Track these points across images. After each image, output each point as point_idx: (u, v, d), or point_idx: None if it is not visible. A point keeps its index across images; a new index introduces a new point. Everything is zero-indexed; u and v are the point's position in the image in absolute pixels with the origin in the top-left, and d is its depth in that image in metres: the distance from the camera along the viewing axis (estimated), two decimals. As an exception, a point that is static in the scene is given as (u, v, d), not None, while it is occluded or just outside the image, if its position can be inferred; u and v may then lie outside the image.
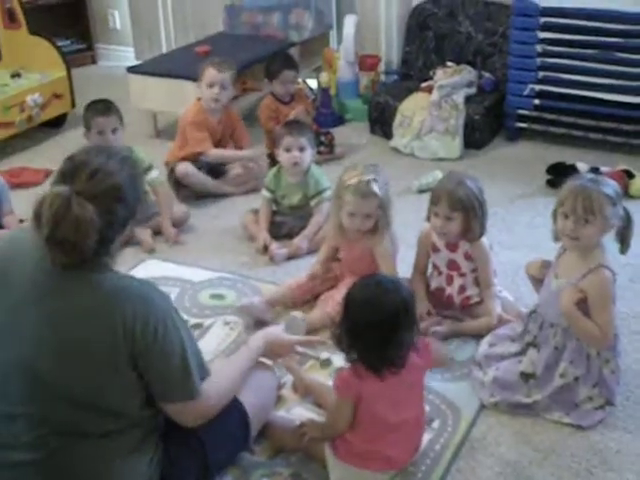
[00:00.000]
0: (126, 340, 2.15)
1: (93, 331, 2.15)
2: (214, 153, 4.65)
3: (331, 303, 3.41)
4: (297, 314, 3.37)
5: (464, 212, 3.24)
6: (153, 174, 4.20)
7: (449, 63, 5.35)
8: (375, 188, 3.32)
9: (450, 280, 3.39)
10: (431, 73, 5.32)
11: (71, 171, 2.16)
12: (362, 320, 2.43)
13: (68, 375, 2.18)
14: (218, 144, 4.72)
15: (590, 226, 2.76)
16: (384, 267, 3.38)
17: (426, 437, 2.74)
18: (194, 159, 4.64)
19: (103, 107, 4.11)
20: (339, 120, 5.56)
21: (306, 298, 3.58)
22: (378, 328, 2.41)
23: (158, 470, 2.34)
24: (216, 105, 4.65)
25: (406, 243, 3.56)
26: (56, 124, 5.67)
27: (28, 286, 2.21)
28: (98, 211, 2.11)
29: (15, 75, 5.61)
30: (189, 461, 2.41)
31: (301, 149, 4.07)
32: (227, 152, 4.76)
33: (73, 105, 5.70)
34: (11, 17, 5.71)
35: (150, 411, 2.31)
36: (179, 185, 4.58)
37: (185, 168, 4.56)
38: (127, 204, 2.20)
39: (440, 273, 3.40)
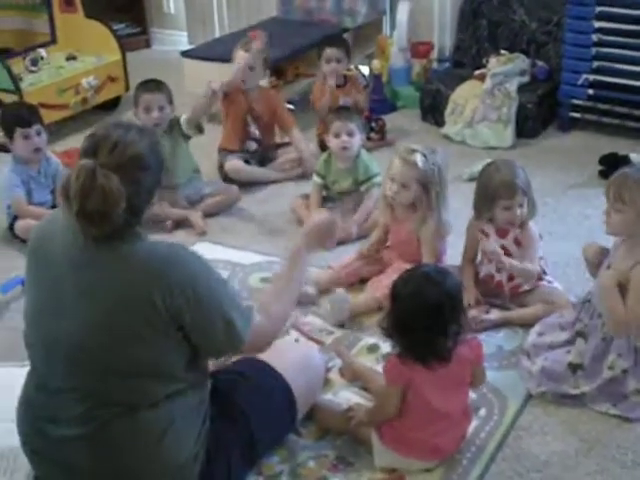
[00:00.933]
0: (165, 307, 2.18)
1: (131, 301, 2.19)
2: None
3: (380, 287, 3.42)
4: (341, 290, 3.42)
5: (528, 195, 3.28)
6: None
7: (502, 51, 5.32)
8: (417, 159, 3.35)
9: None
10: (484, 61, 5.29)
11: (93, 147, 2.19)
12: (408, 312, 2.44)
13: (111, 346, 2.21)
14: (244, 120, 4.69)
15: (620, 214, 2.75)
16: (424, 252, 3.43)
17: (472, 425, 2.74)
18: (241, 148, 4.68)
19: (152, 85, 4.21)
20: (391, 107, 5.54)
21: (352, 281, 3.61)
22: (423, 320, 2.42)
23: (204, 445, 2.36)
24: (245, 85, 4.64)
25: (455, 231, 3.55)
26: (110, 107, 5.73)
27: (65, 263, 2.26)
28: (123, 181, 2.14)
29: (70, 58, 5.68)
30: (235, 438, 2.44)
31: (350, 134, 4.09)
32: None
33: (127, 88, 5.75)
34: (68, 1, 5.77)
35: (195, 374, 2.33)
36: (227, 177, 4.62)
37: (234, 165, 4.59)
38: (151, 171, 2.24)
39: (490, 260, 3.39)
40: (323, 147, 4.62)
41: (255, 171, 4.66)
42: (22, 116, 4.14)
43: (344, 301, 3.35)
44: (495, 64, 5.16)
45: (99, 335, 2.21)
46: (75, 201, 2.14)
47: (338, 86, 4.98)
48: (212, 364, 2.59)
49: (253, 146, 4.71)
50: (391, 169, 3.44)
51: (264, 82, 4.96)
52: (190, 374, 2.32)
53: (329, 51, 4.92)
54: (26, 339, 2.39)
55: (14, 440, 2.57)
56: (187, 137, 4.29)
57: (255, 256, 3.89)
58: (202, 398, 2.39)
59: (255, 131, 4.72)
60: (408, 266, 3.42)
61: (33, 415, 2.37)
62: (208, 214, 4.27)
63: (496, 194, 3.24)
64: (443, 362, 2.46)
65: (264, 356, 2.62)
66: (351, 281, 3.61)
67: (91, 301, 2.21)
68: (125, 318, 2.19)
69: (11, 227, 4.12)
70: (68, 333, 2.23)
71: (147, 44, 7.26)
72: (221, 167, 4.65)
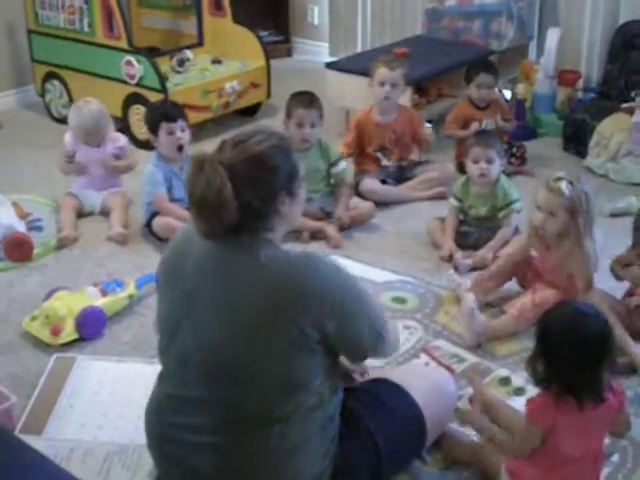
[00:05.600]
0: (311, 321, 2.16)
1: (271, 314, 2.16)
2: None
3: (519, 305, 3.42)
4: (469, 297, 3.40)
5: None
6: (341, 166, 4.33)
7: (653, 85, 5.17)
8: (563, 186, 3.27)
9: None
10: (632, 94, 5.13)
11: (222, 144, 2.23)
12: (566, 346, 2.34)
13: (250, 358, 2.19)
14: (385, 147, 4.68)
15: None
16: (579, 282, 3.34)
17: (604, 470, 2.63)
18: (376, 167, 4.67)
19: (307, 100, 4.22)
20: (532, 133, 5.43)
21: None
22: (583, 355, 2.33)
23: (331, 466, 2.33)
24: (387, 103, 4.63)
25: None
26: (250, 112, 5.78)
27: (200, 272, 2.26)
28: (237, 177, 2.14)
29: (216, 61, 5.75)
30: (362, 462, 2.39)
31: (489, 161, 4.02)
32: None
33: (269, 95, 5.80)
34: (217, 5, 5.86)
35: (328, 388, 2.29)
36: (361, 197, 4.59)
37: (369, 185, 4.57)
38: (273, 173, 2.20)
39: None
40: (462, 169, 4.56)
41: (390, 191, 4.62)
42: (167, 111, 4.19)
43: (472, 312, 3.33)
44: (644, 98, 5.00)
45: (237, 347, 2.19)
46: (187, 191, 2.19)
47: (480, 108, 4.92)
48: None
49: (388, 163, 4.70)
50: (537, 198, 3.37)
51: (406, 100, 4.91)
52: (324, 388, 2.28)
53: (484, 77, 4.86)
54: (160, 347, 2.39)
55: (138, 437, 2.60)
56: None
57: (387, 274, 3.85)
58: (333, 414, 2.35)
59: (387, 163, 4.70)
60: (550, 291, 3.43)
61: (162, 420, 2.37)
62: (341, 228, 4.25)
63: None
64: (598, 402, 2.36)
65: (397, 378, 2.58)
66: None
67: (229, 312, 2.20)
68: (265, 331, 2.17)
69: (148, 223, 4.16)
70: (205, 343, 2.23)
71: (288, 53, 7.31)
72: (356, 186, 4.63)
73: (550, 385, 2.36)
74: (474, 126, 4.75)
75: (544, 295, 3.43)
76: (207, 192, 2.13)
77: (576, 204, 3.28)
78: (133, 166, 4.52)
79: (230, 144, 2.20)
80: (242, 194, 2.14)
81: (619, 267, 3.34)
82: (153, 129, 4.16)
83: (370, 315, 2.31)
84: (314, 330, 2.17)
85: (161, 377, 2.42)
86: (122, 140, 4.55)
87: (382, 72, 4.58)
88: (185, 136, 4.15)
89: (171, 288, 2.33)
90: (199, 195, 2.14)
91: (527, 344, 3.25)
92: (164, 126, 4.11)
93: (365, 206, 4.40)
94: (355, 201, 4.47)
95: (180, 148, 4.13)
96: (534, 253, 3.57)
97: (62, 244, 4.14)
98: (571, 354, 2.32)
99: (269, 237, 2.26)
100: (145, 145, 4.65)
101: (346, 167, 4.39)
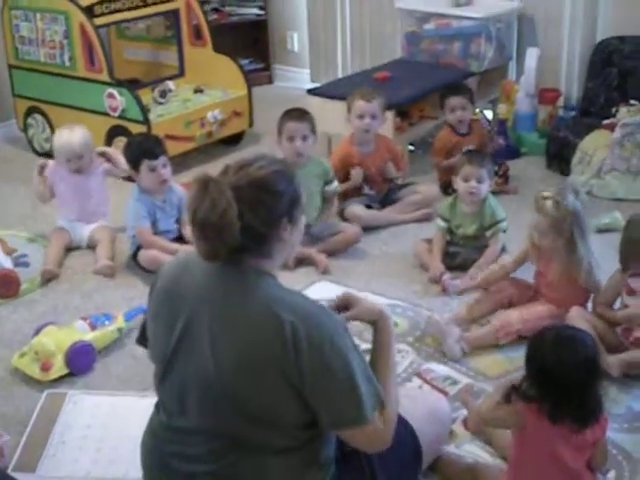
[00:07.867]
0: (292, 363, 2.10)
1: (261, 349, 2.12)
2: None
3: (503, 317, 3.47)
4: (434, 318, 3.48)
5: None
6: (334, 185, 4.38)
7: (633, 101, 5.19)
8: (548, 206, 3.31)
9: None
10: (613, 110, 5.17)
11: (225, 168, 2.21)
12: (555, 370, 2.33)
13: (241, 387, 2.16)
14: (367, 178, 4.67)
15: None
16: (580, 279, 3.39)
17: (601, 487, 2.64)
18: (358, 193, 4.68)
19: (297, 114, 4.22)
20: (515, 153, 5.46)
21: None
22: (572, 379, 2.33)
23: None
24: (367, 135, 4.63)
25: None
26: (233, 141, 5.79)
27: (195, 301, 2.22)
28: (241, 199, 2.11)
29: (198, 91, 5.77)
30: (359, 487, 2.37)
31: (479, 180, 4.04)
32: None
33: (251, 124, 5.82)
34: (197, 35, 5.89)
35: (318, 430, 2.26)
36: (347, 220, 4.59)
37: (354, 211, 4.56)
38: (277, 198, 2.18)
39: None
40: (446, 191, 4.58)
41: (375, 216, 4.62)
42: (148, 148, 4.17)
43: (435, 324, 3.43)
44: (625, 114, 5.03)
45: (233, 380, 2.16)
46: (189, 211, 2.15)
47: (463, 135, 4.94)
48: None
49: (371, 192, 4.71)
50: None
51: (389, 124, 4.92)
52: (313, 431, 2.24)
53: (453, 99, 4.89)
54: (156, 377, 2.35)
55: (132, 471, 2.59)
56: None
57: (376, 298, 3.80)
58: (329, 447, 2.32)
59: (370, 192, 4.70)
60: (543, 306, 3.47)
61: (158, 449, 2.34)
62: (329, 253, 4.24)
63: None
64: (582, 427, 2.36)
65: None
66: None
67: (225, 345, 2.16)
68: (258, 368, 2.13)
69: (135, 256, 4.15)
70: (202, 375, 2.20)
71: (269, 80, 7.33)
72: (342, 212, 4.62)
73: (538, 405, 2.36)
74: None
75: (535, 310, 3.45)
76: (211, 213, 2.10)
77: (560, 223, 3.31)
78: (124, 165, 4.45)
79: (234, 168, 2.19)
80: (245, 216, 2.12)
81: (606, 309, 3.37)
82: (134, 165, 4.16)
83: (357, 379, 2.14)
84: (296, 376, 2.12)
85: (157, 406, 2.39)
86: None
87: (359, 105, 4.57)
88: (167, 171, 4.16)
89: (166, 317, 2.29)
90: (202, 216, 2.11)
91: (519, 363, 3.25)
92: (146, 163, 4.10)
93: (352, 230, 4.39)
94: (342, 225, 4.47)
95: (163, 182, 4.13)
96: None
97: (43, 277, 4.11)
98: (561, 378, 2.32)
99: (268, 267, 2.24)
100: (128, 177, 4.64)
101: (337, 187, 4.42)
